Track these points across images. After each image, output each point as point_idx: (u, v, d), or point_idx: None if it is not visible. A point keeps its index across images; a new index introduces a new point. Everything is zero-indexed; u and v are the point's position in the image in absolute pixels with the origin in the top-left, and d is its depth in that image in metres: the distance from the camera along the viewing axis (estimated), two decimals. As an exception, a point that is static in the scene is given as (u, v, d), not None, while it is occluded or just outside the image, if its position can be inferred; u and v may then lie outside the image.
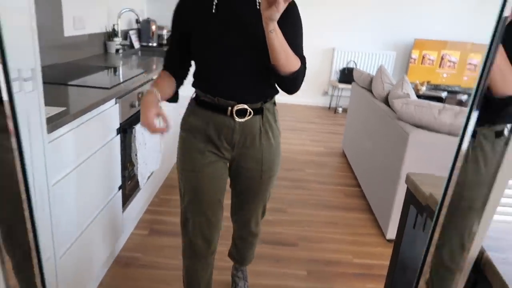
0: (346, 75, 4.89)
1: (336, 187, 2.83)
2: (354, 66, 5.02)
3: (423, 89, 4.33)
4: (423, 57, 4.88)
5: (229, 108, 1.16)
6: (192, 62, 1.25)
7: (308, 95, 5.29)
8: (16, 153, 0.59)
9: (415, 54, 4.88)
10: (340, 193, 2.73)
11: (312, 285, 1.79)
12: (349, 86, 4.36)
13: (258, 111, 1.20)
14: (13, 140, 0.58)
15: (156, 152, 2.05)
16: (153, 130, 1.07)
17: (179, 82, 1.26)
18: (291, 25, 1.13)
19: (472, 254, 0.63)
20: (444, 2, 4.81)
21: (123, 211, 1.79)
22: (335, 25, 5.03)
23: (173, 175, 2.71)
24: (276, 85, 1.20)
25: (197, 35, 1.13)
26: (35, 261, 0.63)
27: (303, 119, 4.68)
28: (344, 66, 5.08)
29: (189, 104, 1.26)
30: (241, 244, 1.58)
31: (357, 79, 3.22)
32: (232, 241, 1.62)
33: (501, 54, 0.85)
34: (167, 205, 2.34)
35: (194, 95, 1.24)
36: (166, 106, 1.16)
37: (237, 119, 1.17)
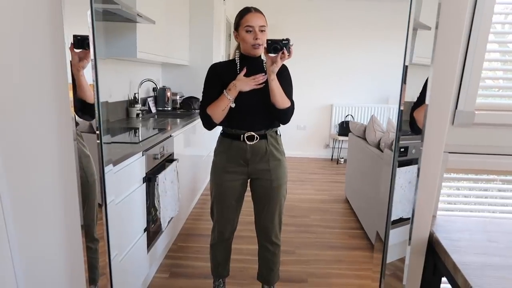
0: (345, 128, 5.23)
1: (340, 230, 3.01)
2: (351, 120, 5.38)
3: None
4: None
5: (242, 135, 1.66)
6: None
7: (311, 148, 5.61)
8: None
9: (407, 106, 5.26)
10: (344, 235, 2.90)
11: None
12: (347, 138, 4.67)
13: (263, 137, 1.68)
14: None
15: (175, 200, 2.30)
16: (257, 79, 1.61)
17: None
18: (284, 79, 1.65)
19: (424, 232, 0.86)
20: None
21: (147, 252, 2.00)
22: (333, 84, 5.48)
23: (188, 225, 2.92)
24: (274, 117, 1.68)
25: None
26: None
27: (308, 170, 4.94)
28: (342, 120, 5.45)
29: (218, 138, 1.78)
30: (264, 255, 1.87)
31: (352, 129, 3.54)
32: (258, 261, 1.92)
33: None
34: (184, 251, 2.53)
35: (221, 131, 1.76)
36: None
37: (248, 142, 1.65)
